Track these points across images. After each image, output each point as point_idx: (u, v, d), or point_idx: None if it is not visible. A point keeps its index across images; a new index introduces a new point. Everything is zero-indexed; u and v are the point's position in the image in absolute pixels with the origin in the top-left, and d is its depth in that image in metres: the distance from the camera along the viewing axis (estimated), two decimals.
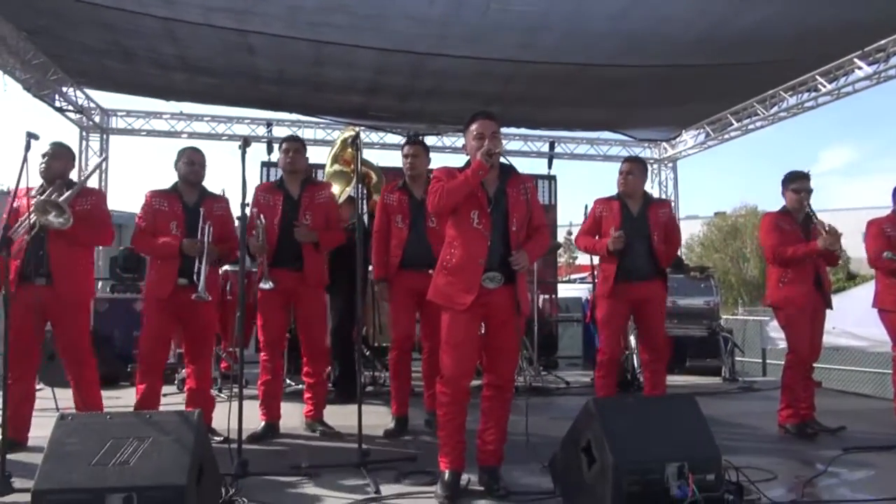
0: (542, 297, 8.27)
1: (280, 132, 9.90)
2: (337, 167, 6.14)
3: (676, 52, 6.71)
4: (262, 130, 9.99)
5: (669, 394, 4.62)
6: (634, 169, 4.51)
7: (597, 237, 4.55)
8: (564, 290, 11.11)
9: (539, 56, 6.91)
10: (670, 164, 11.18)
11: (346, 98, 8.55)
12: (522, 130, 10.48)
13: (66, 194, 3.78)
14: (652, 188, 11.01)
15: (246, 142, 3.56)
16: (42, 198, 3.73)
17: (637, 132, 10.70)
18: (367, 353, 6.21)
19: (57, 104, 8.58)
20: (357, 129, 6.19)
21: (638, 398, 4.55)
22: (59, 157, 3.98)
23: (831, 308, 4.65)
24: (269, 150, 9.42)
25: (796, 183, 4.58)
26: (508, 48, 6.72)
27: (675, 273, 7.44)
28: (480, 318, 3.11)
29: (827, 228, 4.36)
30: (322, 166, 6.77)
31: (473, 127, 3.18)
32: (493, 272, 3.05)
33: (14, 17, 6.61)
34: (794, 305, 4.50)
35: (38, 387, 4.13)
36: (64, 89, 8.57)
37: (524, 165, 10.69)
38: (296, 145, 4.44)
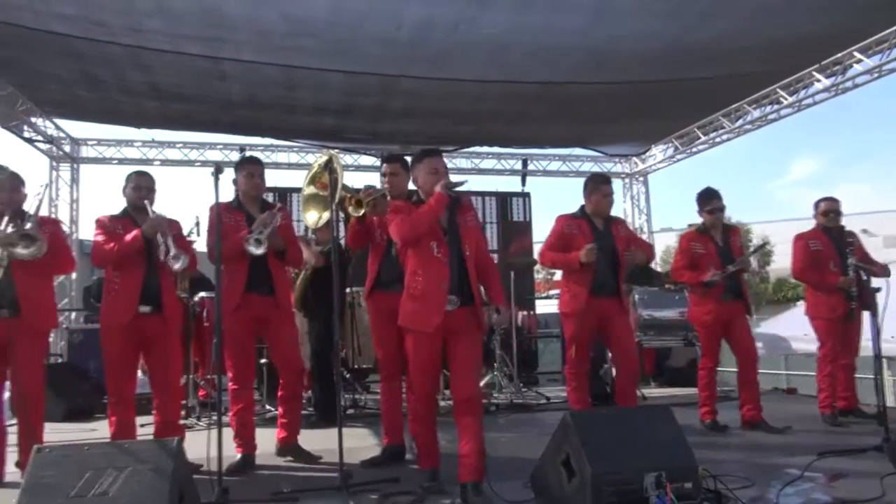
0: (520, 313, 8.30)
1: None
2: (313, 189, 6.10)
3: (641, 67, 6.85)
4: (235, 155, 9.88)
5: (646, 404, 4.68)
6: (612, 190, 4.71)
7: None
8: (543, 306, 11.18)
9: (507, 75, 7.03)
10: (641, 179, 11.35)
11: (319, 121, 8.59)
12: (496, 149, 10.59)
13: (31, 223, 3.68)
14: (624, 202, 11.21)
15: (218, 168, 3.53)
16: (9, 231, 3.65)
17: (608, 148, 10.87)
18: (347, 376, 6.19)
19: (26, 135, 8.51)
20: (330, 152, 6.19)
21: (614, 410, 4.58)
22: (10, 188, 3.87)
23: (751, 315, 5.18)
24: None
25: (710, 203, 5.05)
26: (477, 67, 6.82)
27: (650, 286, 7.56)
28: (441, 338, 3.36)
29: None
30: (298, 189, 6.76)
31: (425, 162, 3.53)
32: (450, 296, 3.34)
33: None
34: (700, 322, 5.10)
35: (11, 422, 4.06)
36: (33, 120, 8.49)
37: (498, 183, 10.81)
38: (262, 169, 4.38)
